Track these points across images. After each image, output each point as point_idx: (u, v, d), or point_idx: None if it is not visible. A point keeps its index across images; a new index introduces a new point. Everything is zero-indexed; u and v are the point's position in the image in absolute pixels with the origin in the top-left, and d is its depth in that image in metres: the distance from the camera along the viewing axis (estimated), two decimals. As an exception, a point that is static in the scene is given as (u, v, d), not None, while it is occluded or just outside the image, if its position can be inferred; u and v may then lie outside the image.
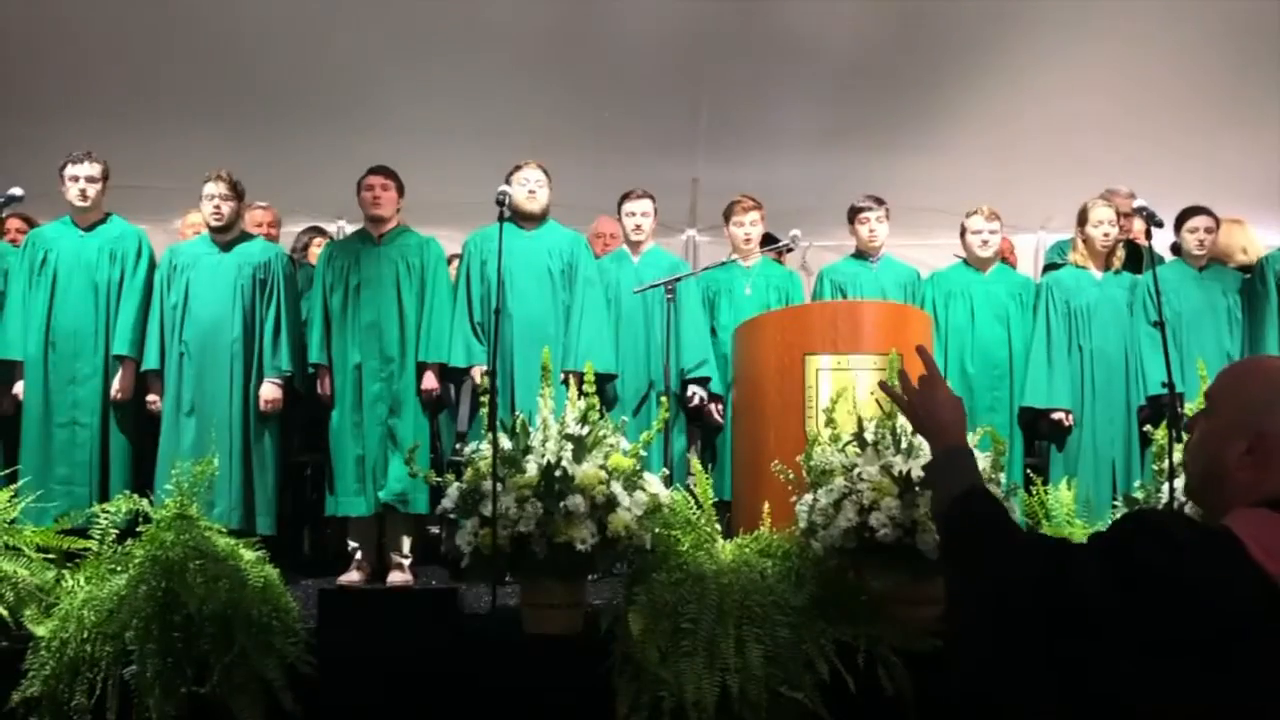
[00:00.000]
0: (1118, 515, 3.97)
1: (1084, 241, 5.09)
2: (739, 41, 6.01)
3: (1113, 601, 1.38)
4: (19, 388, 4.64)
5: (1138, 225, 5.44)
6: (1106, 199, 5.18)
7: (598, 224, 5.98)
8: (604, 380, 4.66)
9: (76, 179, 4.66)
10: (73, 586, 3.44)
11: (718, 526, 3.68)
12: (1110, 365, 4.94)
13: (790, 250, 5.32)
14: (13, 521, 3.59)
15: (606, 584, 3.94)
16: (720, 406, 5.01)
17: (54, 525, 3.71)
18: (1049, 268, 5.72)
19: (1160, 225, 4.24)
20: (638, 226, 5.12)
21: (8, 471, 4.05)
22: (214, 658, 3.20)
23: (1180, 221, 5.09)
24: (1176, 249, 5.30)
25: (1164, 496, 3.76)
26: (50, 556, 3.55)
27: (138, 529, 3.54)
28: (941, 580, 3.45)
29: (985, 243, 5.07)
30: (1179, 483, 3.73)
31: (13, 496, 3.65)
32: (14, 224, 5.42)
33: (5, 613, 3.32)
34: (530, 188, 4.84)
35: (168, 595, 3.27)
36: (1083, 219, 5.08)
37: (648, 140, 6.58)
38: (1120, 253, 5.11)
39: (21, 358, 4.62)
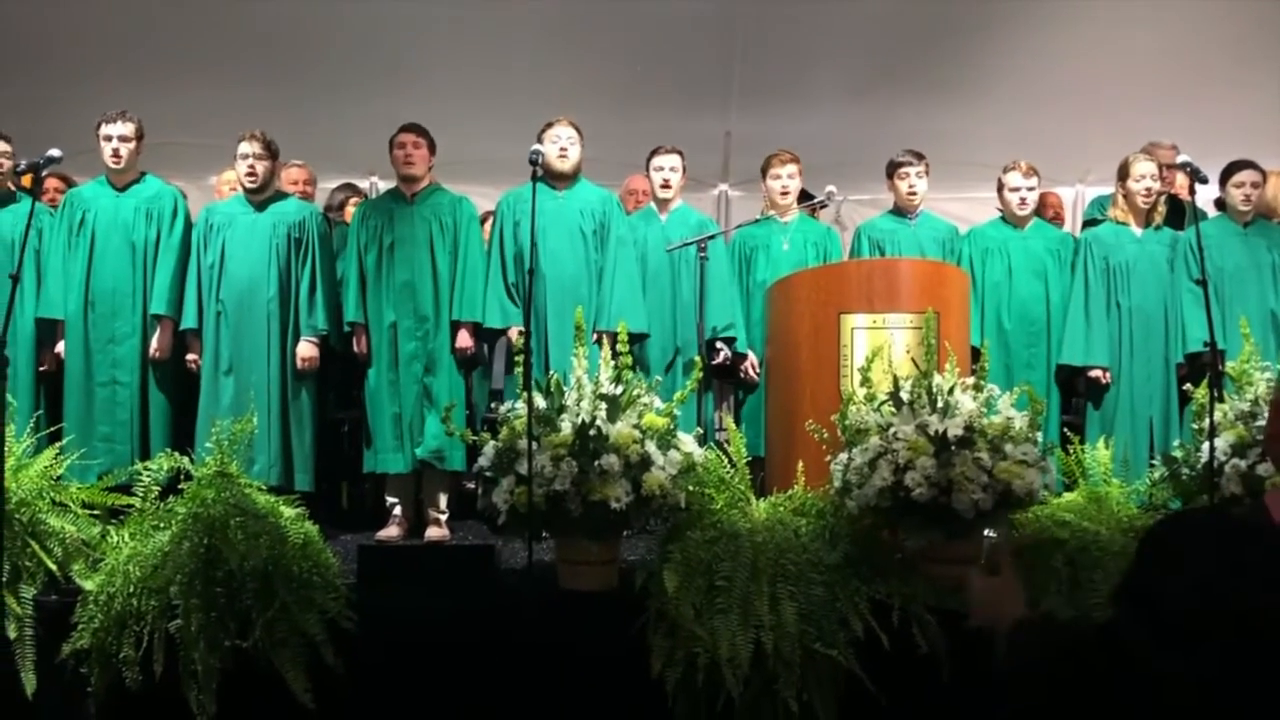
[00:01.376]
0: (1155, 475, 3.95)
1: (1124, 197, 4.99)
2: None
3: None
4: (61, 347, 4.70)
5: (1180, 179, 5.33)
6: (1149, 152, 5.07)
7: (630, 181, 5.93)
8: (635, 340, 4.65)
9: (110, 139, 4.67)
10: (118, 542, 3.52)
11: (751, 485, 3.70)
12: (1149, 323, 4.86)
13: (824, 206, 5.26)
14: (59, 478, 3.67)
15: (641, 540, 3.96)
16: (755, 363, 4.99)
17: (98, 482, 3.78)
18: (1088, 223, 5.63)
19: (1205, 181, 4.14)
20: (665, 183, 5.07)
21: (52, 429, 4.11)
22: (256, 613, 3.27)
23: (1226, 175, 4.97)
24: (1221, 204, 5.19)
25: (1203, 455, 3.72)
26: (95, 513, 3.63)
27: (179, 486, 3.61)
28: (975, 538, 3.47)
29: (1024, 200, 4.97)
30: (1220, 442, 3.69)
31: (58, 454, 3.72)
32: (52, 184, 5.46)
33: (54, 567, 3.40)
34: (562, 145, 4.81)
35: (210, 551, 3.34)
36: (1124, 173, 4.97)
37: (680, 94, 6.51)
38: (1161, 208, 5.00)
39: (62, 316, 4.68)
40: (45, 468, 3.62)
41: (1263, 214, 5.10)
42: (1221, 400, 3.84)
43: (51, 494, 3.57)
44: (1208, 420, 3.71)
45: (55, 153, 3.71)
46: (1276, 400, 1.60)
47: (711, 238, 4.75)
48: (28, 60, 5.94)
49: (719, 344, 4.91)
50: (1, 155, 4.76)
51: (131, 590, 3.33)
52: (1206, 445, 3.70)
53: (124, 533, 3.55)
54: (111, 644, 3.28)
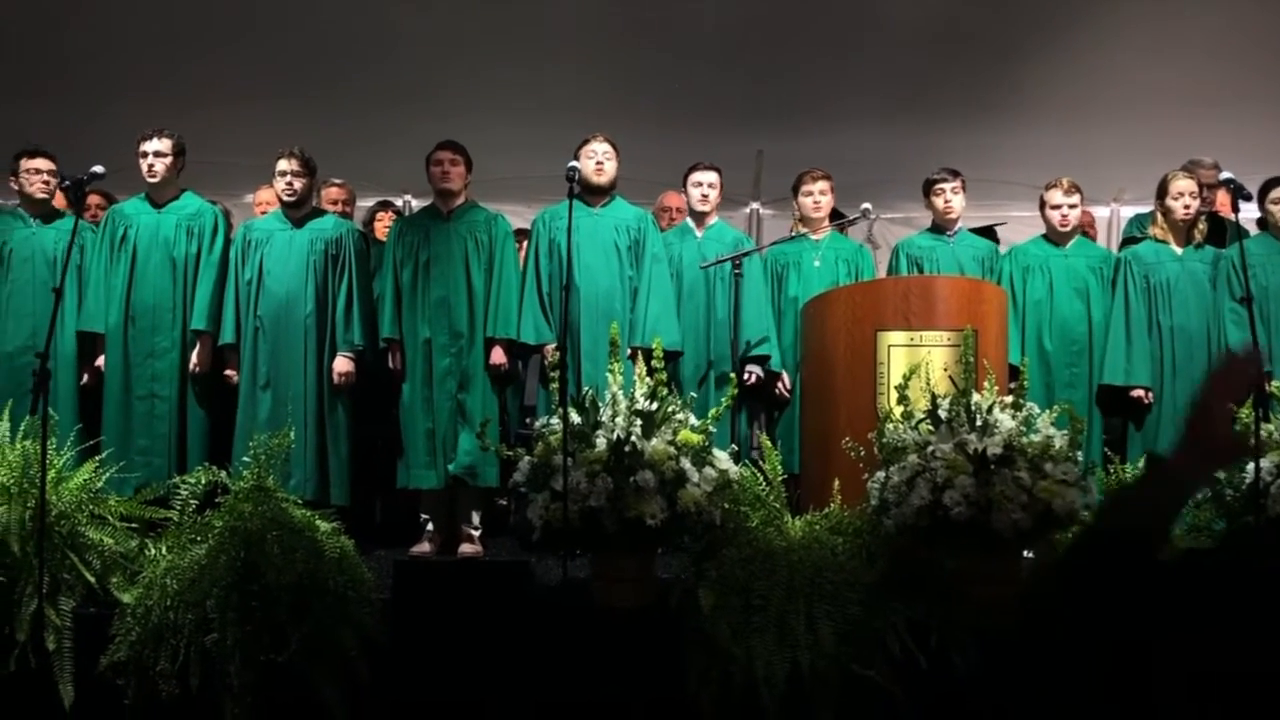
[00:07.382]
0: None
1: (1163, 214, 4.94)
2: (806, 10, 5.92)
3: None
4: (101, 360, 4.74)
5: (1222, 197, 5.27)
6: (1189, 171, 5.02)
7: (664, 198, 5.94)
8: (671, 357, 4.64)
9: (147, 155, 4.73)
10: (155, 555, 3.54)
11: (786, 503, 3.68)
12: (1191, 342, 4.80)
13: (856, 223, 5.25)
14: (98, 491, 3.69)
15: (675, 557, 3.93)
16: (786, 382, 4.97)
17: (136, 496, 3.81)
18: (1127, 241, 5.57)
19: (1249, 198, 4.08)
20: (704, 197, 5.08)
21: (91, 443, 4.14)
22: (292, 627, 3.28)
23: (1264, 192, 4.92)
24: (1262, 222, 5.12)
25: (1248, 476, 3.66)
26: (133, 526, 3.65)
27: (216, 500, 3.62)
28: (1013, 558, 3.43)
29: (1065, 217, 4.93)
30: (1265, 462, 3.63)
31: (97, 467, 3.74)
32: (94, 200, 5.53)
33: (93, 580, 3.42)
34: (599, 160, 4.83)
35: (247, 565, 3.35)
36: (1162, 191, 4.93)
37: (712, 112, 6.51)
38: (1202, 226, 4.95)
39: (103, 330, 4.73)
40: (85, 481, 3.65)
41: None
42: (1267, 420, 3.78)
43: (90, 507, 3.60)
44: (1252, 440, 3.65)
45: (98, 169, 3.77)
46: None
47: (746, 254, 4.75)
48: (71, 78, 6.04)
49: (750, 365, 4.89)
50: (47, 173, 4.83)
51: (168, 603, 3.35)
52: (1251, 466, 3.64)
53: (161, 546, 3.57)
54: (149, 657, 3.29)
